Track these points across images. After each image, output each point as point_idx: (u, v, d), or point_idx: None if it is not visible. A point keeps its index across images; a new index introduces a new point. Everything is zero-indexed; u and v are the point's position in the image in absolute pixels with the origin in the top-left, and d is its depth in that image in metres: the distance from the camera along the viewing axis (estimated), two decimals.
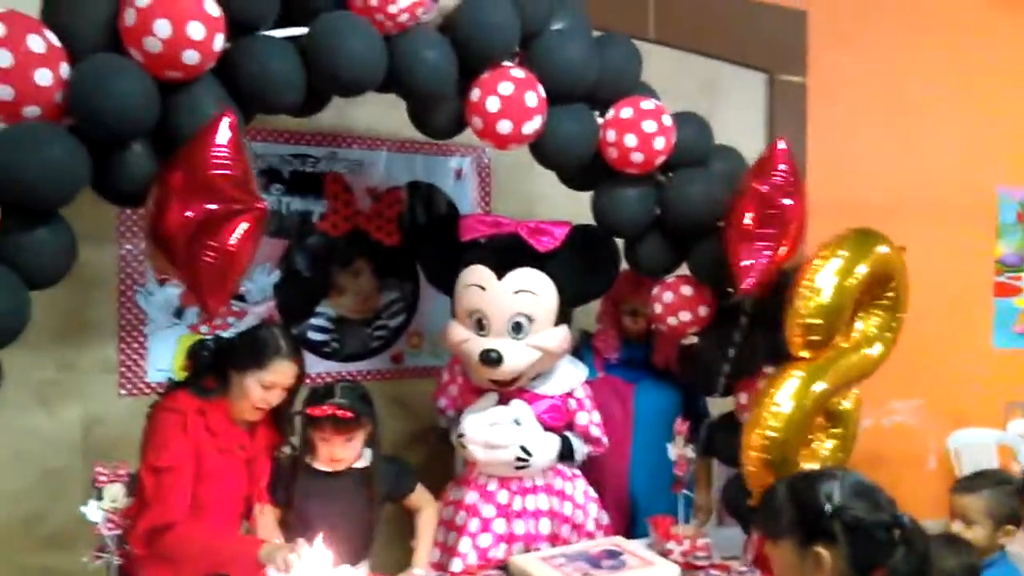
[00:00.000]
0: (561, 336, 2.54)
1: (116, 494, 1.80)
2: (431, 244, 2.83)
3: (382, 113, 2.94)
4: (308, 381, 2.32)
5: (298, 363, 2.15)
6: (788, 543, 1.48)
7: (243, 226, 1.83)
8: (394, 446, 3.07)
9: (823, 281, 2.25)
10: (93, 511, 1.79)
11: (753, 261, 2.30)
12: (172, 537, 1.97)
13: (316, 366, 2.94)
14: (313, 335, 2.97)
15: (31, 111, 1.77)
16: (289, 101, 2.03)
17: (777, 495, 1.52)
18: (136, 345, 2.68)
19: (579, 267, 2.58)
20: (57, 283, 1.94)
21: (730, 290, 2.64)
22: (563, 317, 2.55)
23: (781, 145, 2.36)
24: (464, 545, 2.48)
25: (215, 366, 2.16)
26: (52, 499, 2.58)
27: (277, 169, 2.89)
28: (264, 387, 2.09)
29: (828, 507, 1.43)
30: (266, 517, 2.19)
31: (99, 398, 2.62)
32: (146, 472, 2.01)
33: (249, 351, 2.11)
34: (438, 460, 2.93)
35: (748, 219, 2.30)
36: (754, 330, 2.56)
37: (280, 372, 2.11)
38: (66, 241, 1.89)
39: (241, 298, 2.84)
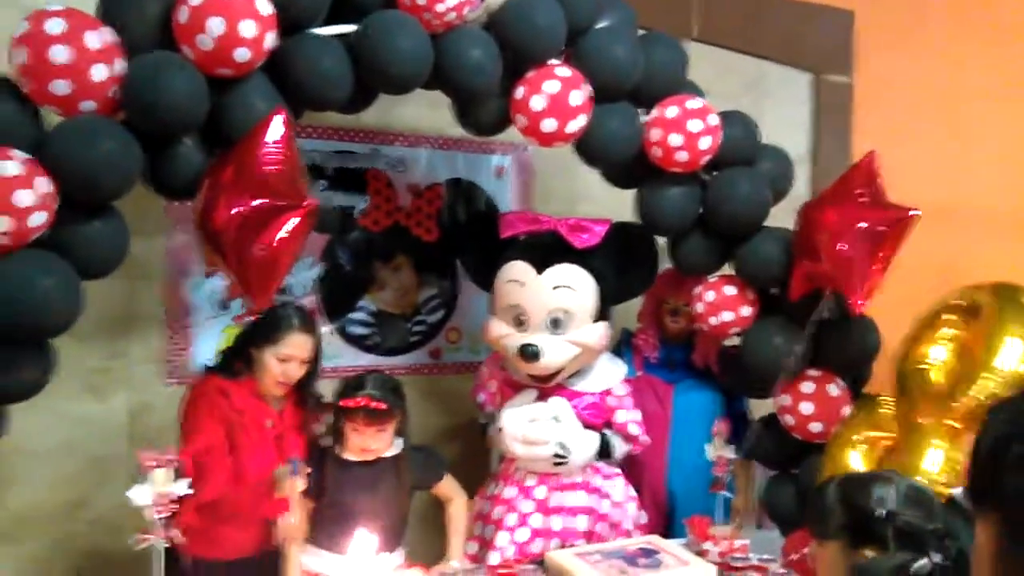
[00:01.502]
0: (600, 332, 2.54)
1: (162, 478, 1.84)
2: (471, 240, 2.85)
3: (425, 111, 2.96)
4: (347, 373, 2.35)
5: (311, 335, 2.23)
6: (836, 545, 1.46)
7: (292, 222, 1.86)
8: (431, 441, 3.09)
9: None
10: (140, 495, 1.82)
11: (865, 276, 2.27)
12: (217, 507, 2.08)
13: (357, 359, 2.98)
14: (354, 329, 3.00)
15: (87, 105, 1.82)
16: (338, 98, 2.06)
17: (828, 496, 1.50)
18: (182, 335, 2.73)
19: (618, 264, 2.58)
20: (109, 274, 1.99)
21: (773, 291, 2.62)
22: (602, 314, 2.55)
23: (874, 158, 2.35)
24: (501, 539, 2.50)
25: (240, 349, 2.26)
26: (99, 484, 2.64)
27: (320, 165, 2.92)
28: (281, 360, 2.19)
29: (880, 512, 1.41)
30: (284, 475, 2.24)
31: (146, 387, 2.67)
32: (186, 458, 2.08)
33: (265, 328, 2.22)
34: (475, 456, 2.94)
35: (859, 232, 2.28)
36: (795, 332, 2.54)
37: (294, 345, 2.19)
38: (119, 233, 1.93)
39: (284, 291, 2.88)
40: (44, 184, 1.76)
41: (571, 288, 2.48)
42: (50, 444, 2.61)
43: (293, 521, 2.15)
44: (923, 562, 0.82)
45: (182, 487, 1.86)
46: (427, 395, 3.10)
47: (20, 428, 2.37)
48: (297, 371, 2.23)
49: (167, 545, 1.85)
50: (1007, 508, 0.60)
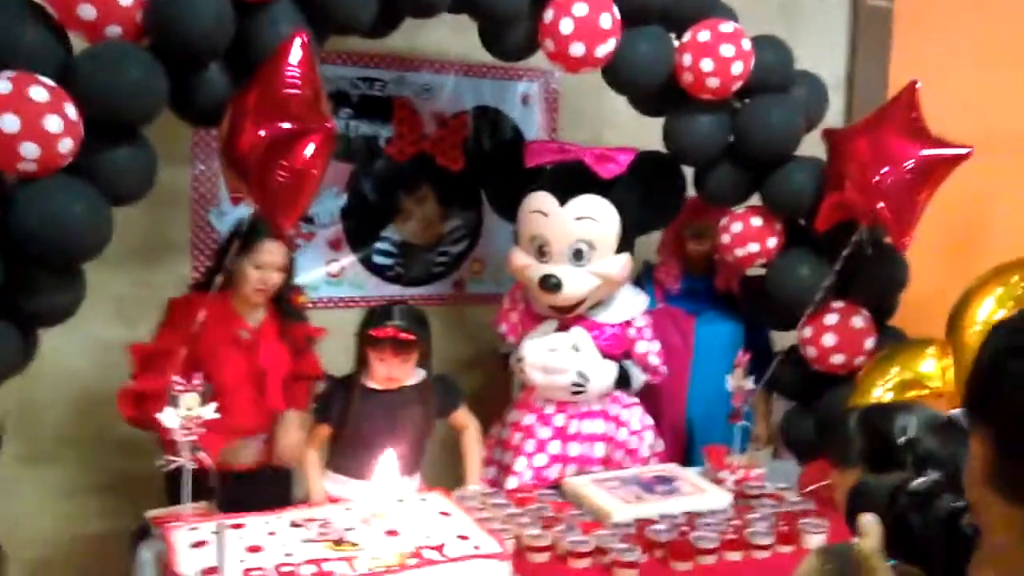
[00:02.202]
0: (622, 264, 2.53)
1: (191, 402, 1.87)
2: (496, 169, 2.83)
3: (451, 36, 2.90)
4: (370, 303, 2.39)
5: (285, 243, 2.28)
6: (856, 472, 1.47)
7: (312, 146, 1.85)
8: (453, 371, 3.12)
9: None
10: (169, 418, 1.86)
11: (910, 211, 2.24)
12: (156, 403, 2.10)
13: (380, 289, 3.00)
14: (378, 259, 3.01)
15: (112, 30, 1.81)
16: (363, 21, 2.02)
17: (851, 423, 1.50)
18: (209, 263, 2.75)
19: (643, 194, 2.55)
20: (138, 200, 2.00)
21: (802, 222, 2.59)
22: (625, 245, 2.54)
23: (918, 85, 2.28)
24: (519, 464, 2.54)
25: (219, 265, 2.30)
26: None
27: (345, 92, 2.89)
28: (257, 267, 2.25)
29: (902, 438, 1.42)
30: (289, 420, 2.32)
31: None
32: (134, 351, 2.25)
33: (239, 239, 2.25)
34: (496, 385, 2.97)
35: (907, 168, 2.23)
36: (820, 264, 2.52)
37: (269, 251, 2.25)
38: (147, 159, 1.94)
39: (309, 220, 2.89)
40: (71, 110, 1.76)
41: (594, 219, 2.47)
42: (81, 368, 2.67)
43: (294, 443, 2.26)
44: (922, 479, 0.83)
45: (209, 411, 1.89)
46: (450, 326, 3.12)
47: (52, 353, 2.44)
48: (274, 278, 2.28)
49: (194, 466, 1.90)
50: (1002, 423, 0.60)
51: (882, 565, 0.81)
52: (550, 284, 2.44)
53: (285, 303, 2.40)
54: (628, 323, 2.62)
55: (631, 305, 2.65)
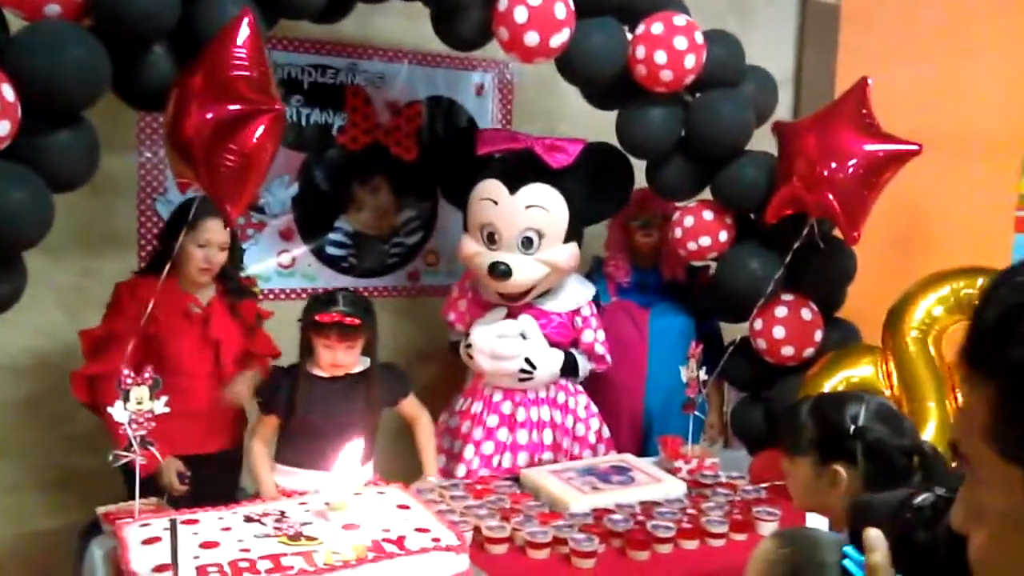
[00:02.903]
0: (570, 253, 2.56)
1: (141, 395, 1.83)
2: (447, 157, 2.83)
3: (405, 25, 2.87)
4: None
5: (224, 220, 2.26)
6: (807, 460, 1.50)
7: (261, 127, 1.81)
8: (408, 363, 3.10)
9: None
10: (119, 412, 1.81)
11: (860, 206, 2.28)
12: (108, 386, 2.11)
13: (333, 280, 2.96)
14: (331, 250, 2.97)
15: (52, 8, 1.75)
16: (313, 5, 1.98)
17: (801, 412, 1.53)
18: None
19: (591, 184, 2.58)
20: (80, 186, 1.94)
21: (752, 216, 2.62)
22: (573, 234, 2.57)
23: (869, 82, 2.32)
24: (468, 452, 2.57)
25: (165, 248, 2.29)
26: (75, 402, 2.63)
27: (298, 79, 2.84)
28: (200, 246, 2.26)
29: (852, 427, 1.44)
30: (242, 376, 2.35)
31: None
32: (83, 336, 2.28)
33: (180, 220, 2.26)
34: (452, 378, 2.95)
35: (856, 163, 2.26)
36: (770, 257, 2.56)
37: (211, 230, 2.26)
38: (89, 143, 1.88)
39: (260, 210, 2.84)
40: (8, 91, 1.69)
41: (543, 208, 2.49)
42: (26, 361, 2.59)
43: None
44: (925, 495, 0.84)
45: (159, 405, 1.85)
46: (404, 317, 3.10)
47: None
48: (217, 256, 2.29)
49: (144, 461, 1.85)
50: (1008, 380, 0.60)
51: None
52: (499, 271, 2.46)
53: (232, 281, 2.40)
54: (575, 312, 2.66)
55: (578, 294, 2.68)
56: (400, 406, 2.40)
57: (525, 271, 2.49)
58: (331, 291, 2.33)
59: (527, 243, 2.50)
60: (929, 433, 2.30)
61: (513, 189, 2.48)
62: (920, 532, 0.82)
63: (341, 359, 2.22)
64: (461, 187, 2.62)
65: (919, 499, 0.85)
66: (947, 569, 0.77)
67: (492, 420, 2.60)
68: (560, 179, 2.50)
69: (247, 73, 1.78)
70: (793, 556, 1.18)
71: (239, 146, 1.79)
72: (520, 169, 2.51)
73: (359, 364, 2.28)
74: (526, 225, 2.48)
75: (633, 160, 2.66)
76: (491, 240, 2.52)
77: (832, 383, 2.46)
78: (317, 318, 2.17)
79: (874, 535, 0.82)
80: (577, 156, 2.52)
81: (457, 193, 2.69)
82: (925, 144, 2.34)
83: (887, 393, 2.44)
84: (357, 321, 2.19)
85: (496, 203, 2.50)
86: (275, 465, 2.28)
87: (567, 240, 2.54)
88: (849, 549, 1.06)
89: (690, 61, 2.35)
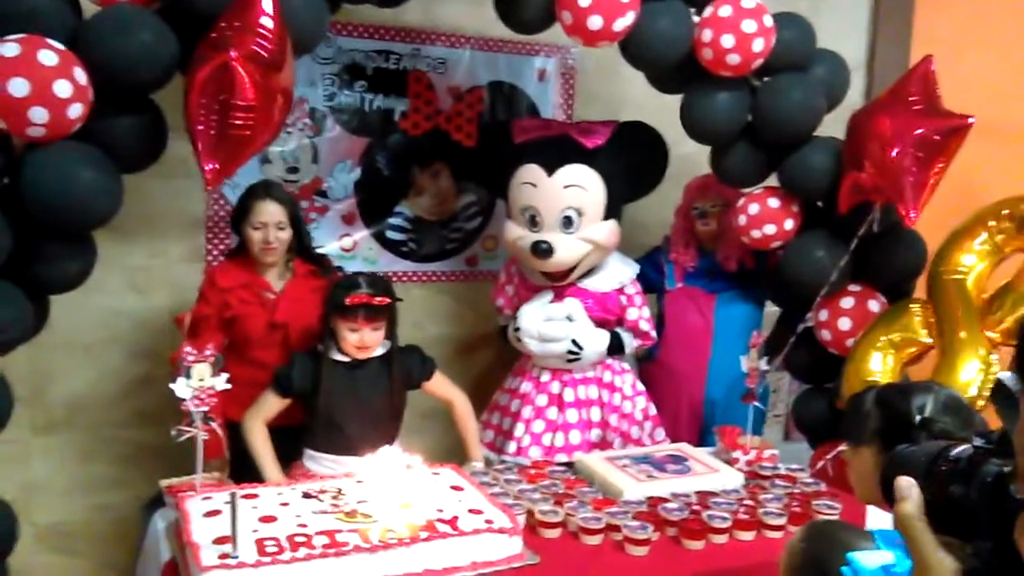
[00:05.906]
0: (609, 230, 2.59)
1: (203, 372, 1.87)
2: (486, 150, 2.89)
3: (467, 10, 2.87)
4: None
5: (277, 202, 2.35)
6: (869, 450, 1.44)
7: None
8: (465, 347, 3.12)
9: None
10: (182, 388, 1.86)
11: (918, 187, 2.20)
12: None
13: (393, 264, 2.98)
14: (391, 234, 2.99)
15: None
16: None
17: (866, 402, 1.48)
18: (222, 235, 2.74)
19: (626, 163, 2.60)
20: (148, 167, 1.98)
21: (819, 204, 2.55)
22: (612, 212, 2.59)
23: (930, 62, 2.25)
24: (518, 430, 2.64)
25: (239, 234, 2.40)
26: (143, 378, 2.72)
27: (361, 65, 2.86)
28: (255, 228, 2.32)
29: (918, 417, 1.39)
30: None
31: (187, 284, 2.70)
32: (180, 318, 2.42)
33: (238, 206, 2.37)
34: (510, 361, 2.95)
35: (913, 140, 2.19)
36: (838, 247, 2.49)
37: (263, 212, 2.32)
38: (157, 125, 1.92)
39: (323, 194, 2.87)
40: (81, 75, 1.74)
41: (581, 187, 2.53)
42: (95, 339, 2.67)
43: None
44: (964, 447, 0.79)
45: (220, 381, 1.89)
46: (463, 302, 3.11)
47: (66, 323, 2.44)
48: (276, 234, 2.33)
49: (206, 436, 1.89)
50: None
51: (923, 527, 0.78)
52: (542, 250, 2.51)
53: (309, 253, 2.46)
54: (619, 290, 2.69)
55: (621, 273, 2.71)
56: (427, 388, 2.40)
57: (567, 249, 2.54)
58: (351, 275, 2.33)
59: (567, 222, 2.54)
60: (962, 369, 2.28)
61: (551, 171, 2.53)
62: (956, 485, 0.77)
63: (368, 339, 2.22)
64: (502, 177, 2.66)
65: (956, 451, 0.81)
66: (985, 520, 0.73)
67: (541, 400, 2.66)
68: (595, 159, 2.55)
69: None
70: (808, 552, 1.18)
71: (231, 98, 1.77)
72: (556, 152, 2.56)
73: (381, 347, 2.29)
74: (566, 204, 2.53)
75: (697, 146, 2.62)
76: (533, 222, 2.57)
77: (879, 344, 2.44)
78: (347, 301, 2.17)
79: (905, 484, 0.79)
80: (610, 136, 2.57)
81: (499, 182, 2.72)
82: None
83: (928, 341, 2.42)
84: (386, 300, 2.20)
85: (535, 186, 2.56)
86: (306, 451, 2.29)
87: (606, 217, 2.59)
88: (852, 556, 1.03)
89: (758, 45, 2.29)
